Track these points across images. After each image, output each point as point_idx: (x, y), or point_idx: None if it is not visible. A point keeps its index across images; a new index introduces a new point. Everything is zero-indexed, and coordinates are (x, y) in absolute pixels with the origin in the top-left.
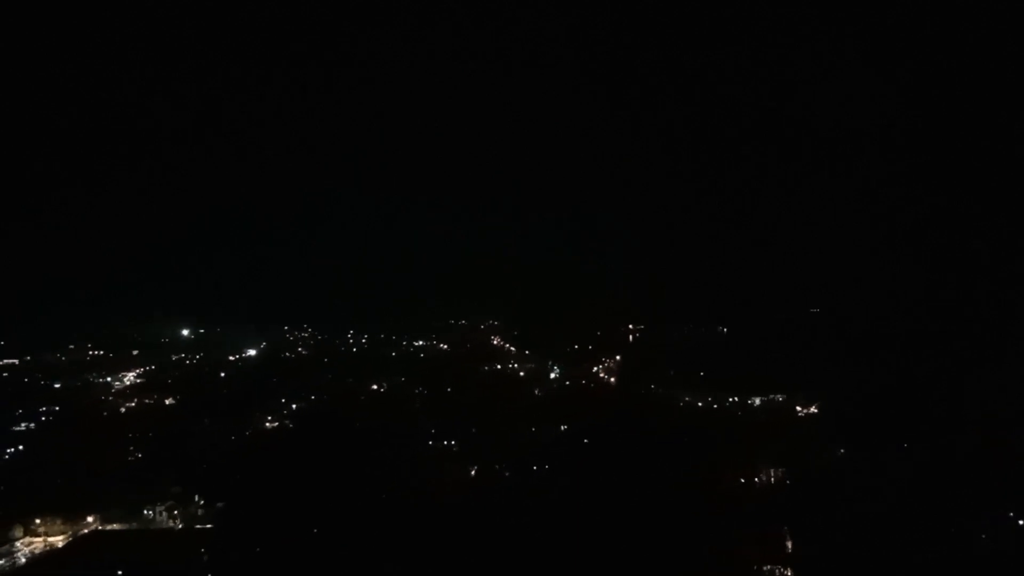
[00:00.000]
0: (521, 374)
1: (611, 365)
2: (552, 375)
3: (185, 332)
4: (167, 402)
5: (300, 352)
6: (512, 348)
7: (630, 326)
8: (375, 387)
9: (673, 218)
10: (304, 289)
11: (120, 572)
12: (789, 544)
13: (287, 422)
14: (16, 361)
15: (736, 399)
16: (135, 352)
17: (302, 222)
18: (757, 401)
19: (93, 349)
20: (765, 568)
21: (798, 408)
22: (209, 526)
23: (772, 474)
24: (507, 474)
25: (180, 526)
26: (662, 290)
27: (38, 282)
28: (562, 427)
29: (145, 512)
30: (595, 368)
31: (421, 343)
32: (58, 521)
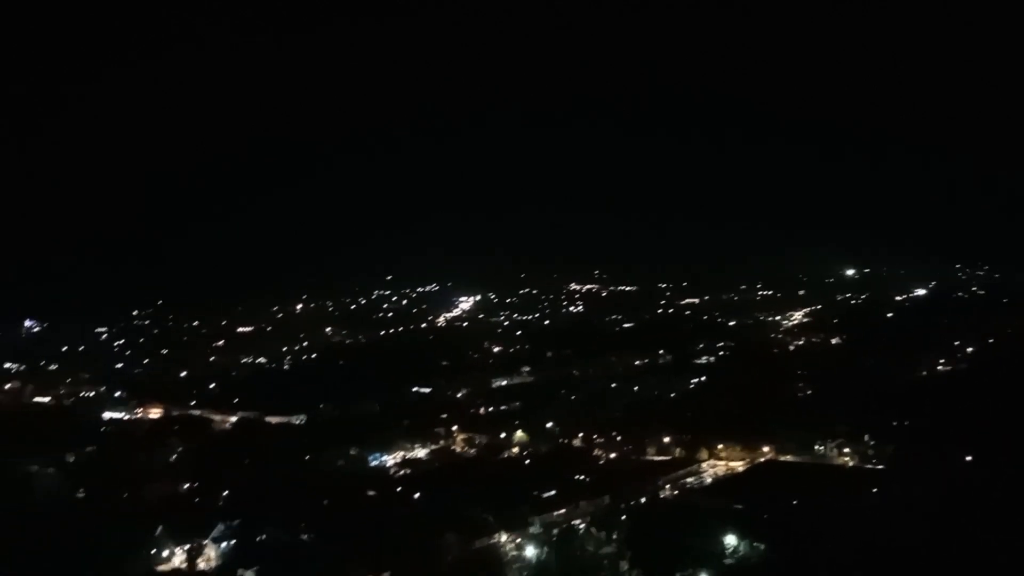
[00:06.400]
0: None
1: None
2: None
3: (850, 272)
4: (833, 341)
5: (974, 292)
6: None
7: None
8: None
9: None
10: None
11: (795, 501)
12: None
13: (961, 365)
14: (697, 300)
15: None
16: (800, 292)
17: None
18: None
19: (762, 289)
20: None
21: None
22: (880, 467)
23: None
24: None
25: (851, 464)
26: None
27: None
28: None
29: (816, 447)
30: None
31: None
32: (737, 448)
